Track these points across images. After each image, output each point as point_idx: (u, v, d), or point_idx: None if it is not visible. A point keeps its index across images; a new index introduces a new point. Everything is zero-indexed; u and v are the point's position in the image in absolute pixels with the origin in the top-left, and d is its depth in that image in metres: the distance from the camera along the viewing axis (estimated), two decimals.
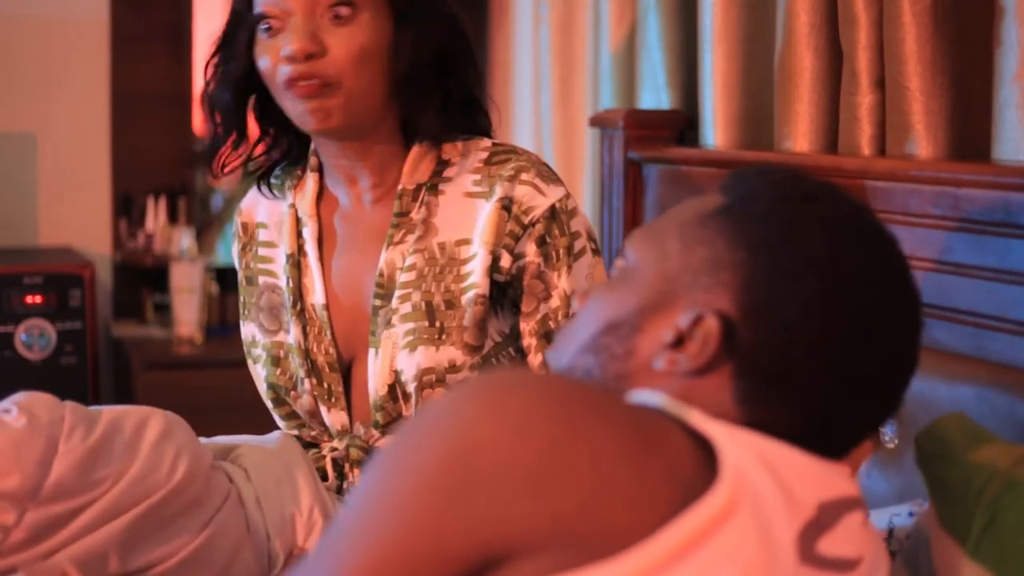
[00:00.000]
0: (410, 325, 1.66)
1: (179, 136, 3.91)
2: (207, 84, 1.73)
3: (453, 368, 1.65)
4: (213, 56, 1.72)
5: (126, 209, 3.84)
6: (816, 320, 1.04)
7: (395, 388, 1.66)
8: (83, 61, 3.75)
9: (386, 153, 1.71)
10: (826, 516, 1.03)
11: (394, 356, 1.66)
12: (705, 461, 1.00)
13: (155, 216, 3.81)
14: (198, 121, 3.89)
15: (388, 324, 1.67)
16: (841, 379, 1.06)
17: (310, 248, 1.74)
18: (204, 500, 1.52)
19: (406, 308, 1.67)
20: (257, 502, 1.58)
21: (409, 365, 1.65)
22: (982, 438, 1.26)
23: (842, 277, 1.06)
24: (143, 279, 3.82)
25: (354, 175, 1.73)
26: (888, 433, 1.66)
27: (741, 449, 1.00)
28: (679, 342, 1.07)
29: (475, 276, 1.66)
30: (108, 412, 1.51)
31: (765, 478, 1.00)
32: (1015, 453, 1.24)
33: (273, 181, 1.79)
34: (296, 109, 1.63)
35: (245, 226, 1.83)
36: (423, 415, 1.00)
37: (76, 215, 3.77)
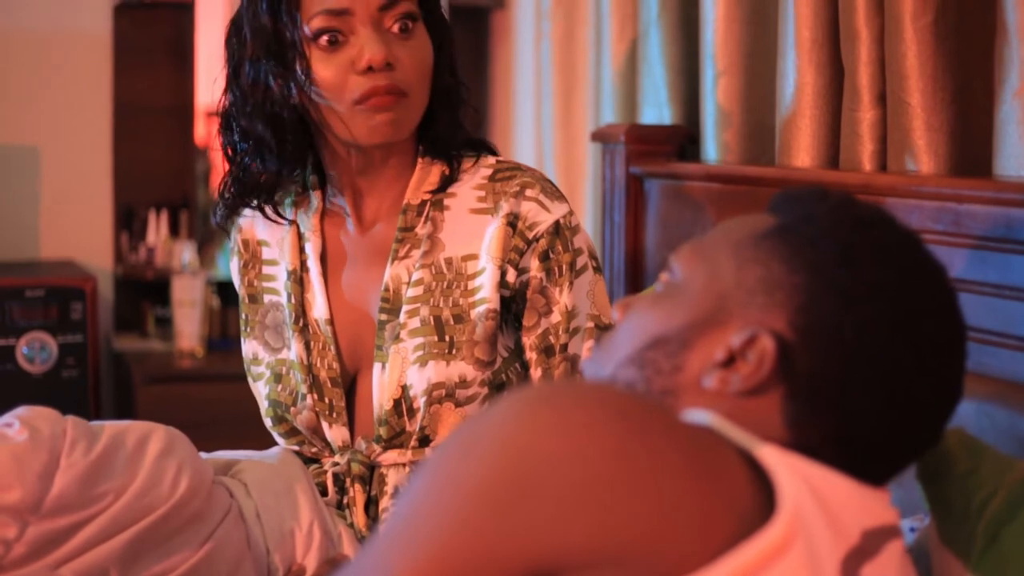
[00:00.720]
0: (419, 340, 1.66)
1: (181, 149, 3.91)
2: (250, 111, 1.66)
3: (463, 383, 1.65)
4: (251, 81, 1.65)
5: (128, 222, 3.84)
6: (874, 345, 1.04)
7: (401, 403, 1.66)
8: (85, 74, 3.76)
9: (399, 167, 1.72)
10: (870, 543, 1.03)
11: (403, 371, 1.66)
12: (760, 488, 0.98)
13: (157, 229, 3.81)
14: (200, 134, 3.90)
15: (396, 339, 1.67)
16: (894, 406, 1.05)
17: (312, 263, 1.74)
18: (205, 515, 1.52)
19: (415, 323, 1.67)
20: (257, 516, 1.58)
21: (419, 380, 1.65)
22: (983, 454, 1.26)
23: (901, 304, 1.05)
24: (144, 292, 3.82)
25: (365, 190, 1.73)
26: None
27: (795, 479, 0.99)
28: (730, 361, 1.06)
29: (485, 291, 1.67)
30: (110, 427, 1.51)
31: (813, 507, 0.99)
32: (1016, 469, 1.24)
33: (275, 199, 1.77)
34: (370, 122, 1.62)
35: (246, 243, 1.82)
36: (476, 423, 0.97)
37: (78, 228, 3.77)
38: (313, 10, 1.61)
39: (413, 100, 1.64)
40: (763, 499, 0.98)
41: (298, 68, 1.63)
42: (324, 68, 1.62)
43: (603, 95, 2.78)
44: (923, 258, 1.10)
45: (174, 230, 3.84)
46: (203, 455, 1.63)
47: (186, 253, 3.69)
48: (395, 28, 1.62)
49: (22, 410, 1.49)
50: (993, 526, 1.18)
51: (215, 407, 3.25)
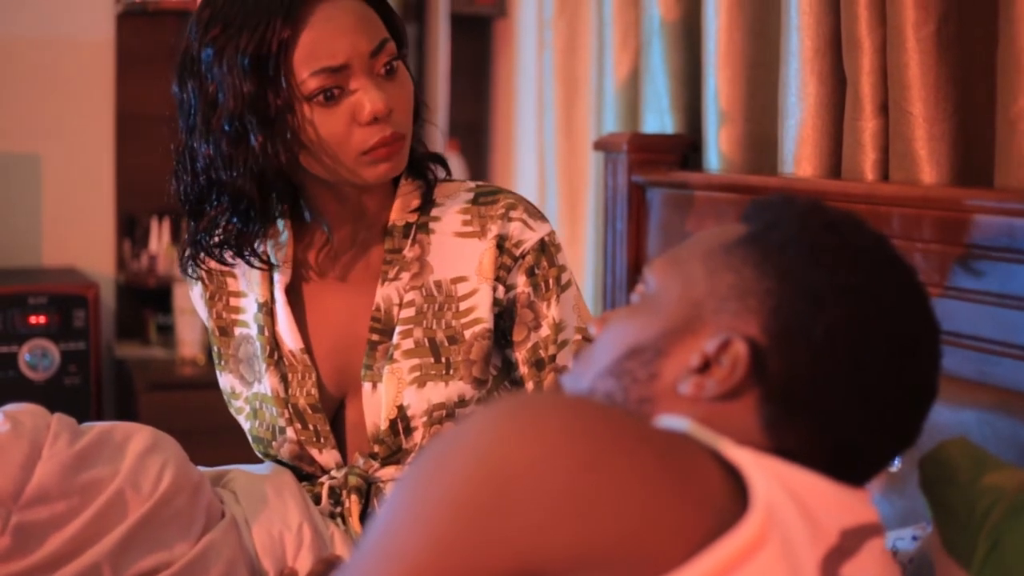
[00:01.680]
0: (415, 361, 1.67)
1: None
2: (235, 173, 1.59)
3: (462, 402, 1.67)
4: (235, 140, 1.58)
5: (130, 230, 3.84)
6: (845, 347, 1.05)
7: (397, 423, 1.67)
8: (88, 82, 3.77)
9: (382, 194, 1.72)
10: (848, 542, 1.04)
11: (399, 391, 1.67)
12: (735, 490, 1.00)
13: (158, 237, 3.82)
14: None
15: (390, 359, 1.68)
16: (867, 406, 1.06)
17: (279, 294, 1.72)
18: (194, 514, 1.52)
19: (408, 344, 1.68)
20: (246, 523, 1.59)
21: (418, 400, 1.66)
22: (985, 462, 1.27)
23: (869, 304, 1.07)
24: (146, 300, 3.83)
25: (349, 217, 1.71)
26: None
27: (768, 479, 1.00)
28: (705, 367, 1.07)
29: (479, 311, 1.68)
30: (97, 425, 1.52)
31: (790, 507, 1.00)
32: (1018, 477, 1.24)
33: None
34: (375, 169, 1.60)
35: (210, 273, 1.78)
36: (451, 435, 0.98)
37: (80, 236, 3.78)
38: (308, 70, 1.55)
39: (407, 138, 1.64)
40: (738, 500, 0.99)
41: (289, 125, 1.57)
42: (324, 123, 1.57)
43: (605, 104, 2.79)
44: (892, 259, 1.11)
45: (176, 238, 3.85)
46: (202, 469, 1.63)
47: None
48: (383, 71, 1.61)
49: (8, 406, 1.50)
50: (995, 534, 1.19)
51: (217, 414, 3.20)
